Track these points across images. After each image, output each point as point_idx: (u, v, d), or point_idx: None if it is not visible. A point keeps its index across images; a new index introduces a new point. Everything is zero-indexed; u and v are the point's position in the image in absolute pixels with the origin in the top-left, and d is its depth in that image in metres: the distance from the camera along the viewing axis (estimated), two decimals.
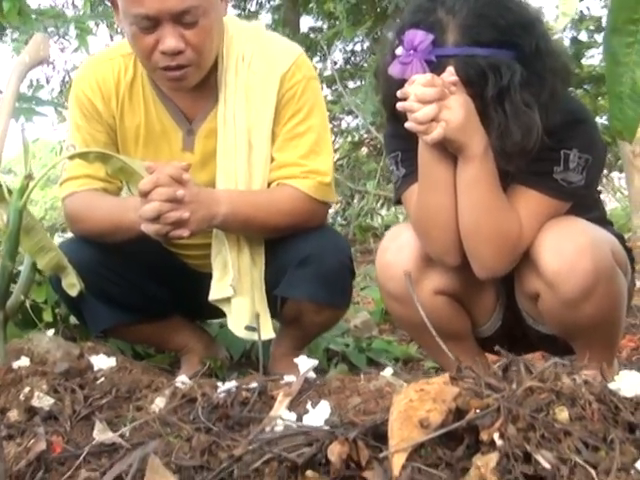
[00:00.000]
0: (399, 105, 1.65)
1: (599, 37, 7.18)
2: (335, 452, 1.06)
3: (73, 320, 2.47)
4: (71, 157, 1.91)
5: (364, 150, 7.75)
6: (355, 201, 6.62)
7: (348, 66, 7.85)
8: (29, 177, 1.79)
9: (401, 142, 1.91)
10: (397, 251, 1.91)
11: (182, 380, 1.57)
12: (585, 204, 1.90)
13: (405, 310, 1.95)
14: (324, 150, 2.05)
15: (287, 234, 2.02)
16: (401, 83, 1.71)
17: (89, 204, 2.04)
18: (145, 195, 1.79)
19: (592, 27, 7.28)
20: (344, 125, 7.76)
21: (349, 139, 7.68)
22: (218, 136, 2.02)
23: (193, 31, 1.86)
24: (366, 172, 5.78)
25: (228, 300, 2.01)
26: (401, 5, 4.92)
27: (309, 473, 1.06)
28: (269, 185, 2.04)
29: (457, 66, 1.65)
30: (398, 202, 2.00)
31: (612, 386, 1.16)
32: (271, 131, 2.02)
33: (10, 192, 1.83)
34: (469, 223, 1.76)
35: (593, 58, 7.59)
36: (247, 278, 2.01)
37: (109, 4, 2.06)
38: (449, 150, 1.72)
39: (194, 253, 2.18)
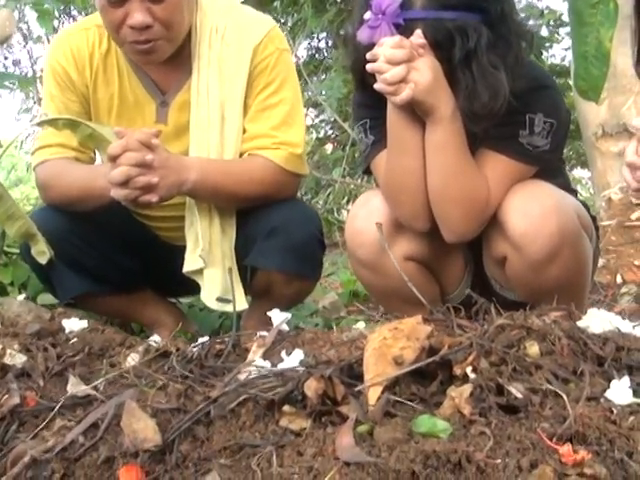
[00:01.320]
0: (369, 66, 1.66)
1: (561, 32, 7.26)
2: (312, 388, 1.07)
3: (39, 301, 2.45)
4: (40, 124, 1.90)
5: (329, 147, 7.78)
6: (320, 195, 6.62)
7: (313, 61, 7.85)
8: None
9: (369, 110, 1.92)
10: (367, 217, 1.91)
11: (154, 339, 1.57)
12: (550, 169, 1.92)
13: (375, 277, 1.96)
14: (296, 122, 2.05)
15: (257, 204, 2.02)
16: (369, 48, 1.72)
17: (60, 171, 2.02)
18: (114, 160, 1.78)
19: (552, 23, 7.34)
20: (309, 121, 7.76)
21: (314, 135, 7.68)
22: (191, 108, 2.01)
23: (161, 6, 1.86)
24: (332, 161, 5.79)
25: (201, 272, 2.00)
26: None
27: (286, 408, 1.07)
28: (241, 156, 2.03)
29: (425, 29, 1.66)
30: (367, 171, 2.01)
31: (581, 324, 1.18)
32: (243, 102, 2.02)
33: None
34: (438, 186, 1.78)
35: (554, 57, 7.69)
36: (218, 249, 2.01)
37: None
38: (417, 113, 1.73)
39: (167, 225, 2.17)
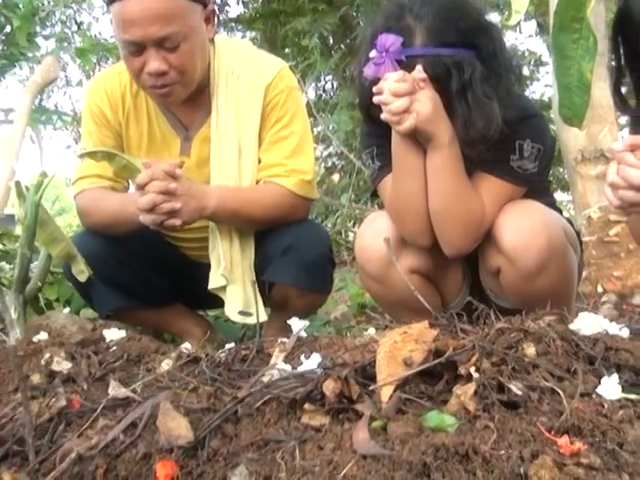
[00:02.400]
0: (375, 99, 1.65)
1: (541, 70, 7.26)
2: (329, 388, 1.05)
3: (82, 315, 2.44)
4: (81, 155, 1.90)
5: (336, 177, 7.79)
6: (329, 218, 6.60)
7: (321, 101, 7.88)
8: (44, 174, 1.78)
9: (376, 139, 1.91)
10: (374, 236, 1.90)
11: (186, 347, 1.55)
12: (538, 190, 1.91)
13: (382, 288, 1.94)
14: (305, 151, 2.05)
15: (273, 227, 2.01)
16: (375, 83, 1.71)
17: (97, 199, 2.03)
18: (142, 188, 1.78)
19: (532, 63, 7.34)
20: (318, 153, 7.78)
21: (323, 165, 7.69)
22: (212, 142, 2.02)
23: (175, 54, 1.86)
24: (340, 188, 5.78)
25: (224, 288, 2.00)
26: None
27: (307, 406, 1.05)
28: (257, 183, 2.03)
29: (425, 65, 1.66)
30: (374, 194, 2.00)
31: (572, 326, 1.16)
32: (258, 136, 2.02)
33: (27, 189, 1.81)
34: (438, 205, 1.77)
35: (535, 94, 7.67)
36: (238, 268, 2.00)
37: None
38: (419, 140, 1.72)
39: (193, 245, 2.17)
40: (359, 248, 1.93)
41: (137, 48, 1.84)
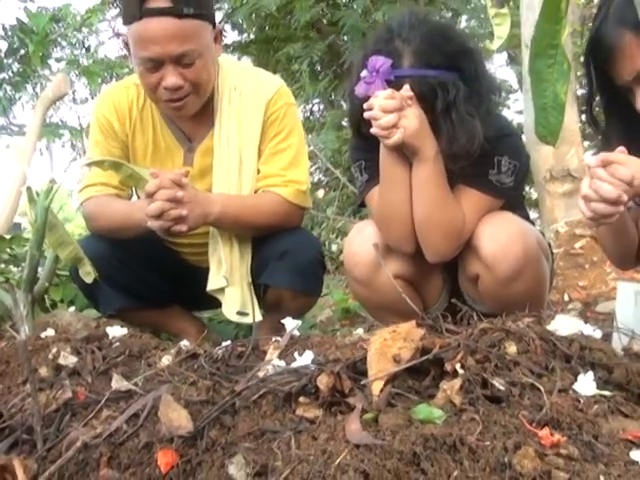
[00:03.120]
0: (366, 114, 1.64)
1: (511, 97, 7.30)
2: (323, 382, 1.03)
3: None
4: (89, 164, 1.88)
5: (321, 192, 7.78)
6: (315, 230, 6.58)
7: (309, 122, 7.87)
8: (53, 181, 1.75)
9: (364, 153, 1.90)
10: (362, 242, 1.89)
11: (184, 343, 1.52)
12: (514, 203, 1.90)
13: (368, 292, 1.93)
14: (301, 163, 2.04)
15: (269, 233, 1.99)
16: (365, 101, 1.70)
17: (103, 205, 2.01)
18: (150, 196, 1.76)
19: (503, 91, 7.37)
20: None
21: (310, 180, 7.66)
22: (214, 153, 2.00)
23: (190, 70, 1.86)
24: (326, 202, 5.77)
25: (222, 290, 1.97)
26: (355, 62, 4.92)
27: (302, 399, 1.03)
28: (256, 192, 2.02)
29: (412, 84, 1.65)
30: (361, 204, 1.98)
31: (550, 327, 1.15)
32: (258, 148, 2.01)
33: (37, 194, 1.78)
34: (422, 215, 1.75)
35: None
36: (237, 271, 1.98)
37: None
38: (405, 154, 1.71)
39: (192, 250, 2.15)
40: (348, 253, 1.92)
41: (154, 64, 1.83)
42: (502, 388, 0.99)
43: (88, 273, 1.87)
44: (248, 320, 1.98)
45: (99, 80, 3.96)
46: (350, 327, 3.35)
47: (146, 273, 2.08)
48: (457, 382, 1.00)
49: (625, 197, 1.38)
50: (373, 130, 1.65)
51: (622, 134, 1.62)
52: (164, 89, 1.87)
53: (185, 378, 1.26)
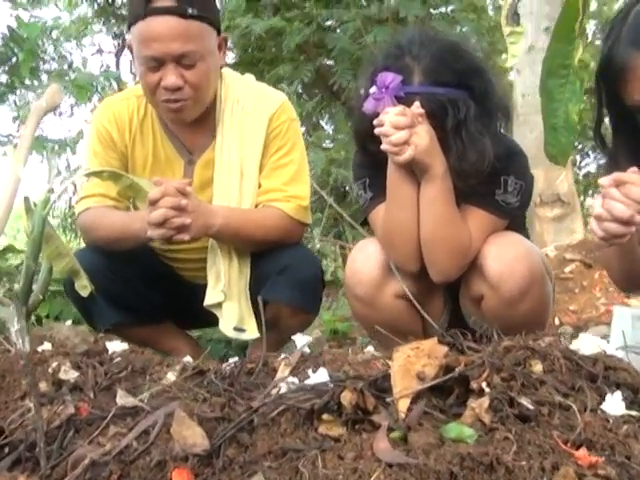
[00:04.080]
0: (377, 130, 1.63)
1: None
2: (347, 399, 1.00)
3: None
4: (88, 175, 1.84)
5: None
6: None
7: None
8: (51, 190, 1.71)
9: (368, 170, 1.89)
10: (364, 260, 1.87)
11: (188, 360, 1.49)
12: (517, 223, 1.90)
13: (369, 311, 1.90)
14: (303, 179, 2.02)
15: (269, 248, 1.97)
16: (372, 118, 1.69)
17: (102, 216, 1.97)
18: (154, 203, 1.73)
19: None
20: None
21: None
22: (215, 166, 1.98)
23: (191, 72, 1.85)
24: (313, 221, 5.75)
25: (219, 305, 1.94)
26: (344, 85, 4.95)
27: (325, 416, 0.99)
28: (256, 206, 1.99)
29: (422, 101, 1.64)
30: (364, 222, 1.97)
31: (573, 347, 1.13)
32: (259, 162, 1.99)
33: (35, 204, 1.74)
34: (430, 234, 1.74)
35: None
36: (235, 286, 1.95)
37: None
38: (414, 171, 1.70)
39: (189, 266, 2.11)
40: (350, 271, 1.90)
41: (156, 64, 1.83)
42: (531, 407, 0.97)
43: (84, 286, 1.81)
44: (245, 336, 1.95)
45: (87, 94, 3.94)
46: (337, 348, 3.33)
47: (142, 288, 2.04)
48: (485, 400, 0.97)
49: (638, 217, 1.38)
50: (384, 147, 1.63)
51: (630, 155, 1.62)
52: (163, 89, 1.86)
53: (195, 395, 1.23)
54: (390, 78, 1.65)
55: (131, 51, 1.90)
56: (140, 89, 2.01)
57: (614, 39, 1.57)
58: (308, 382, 1.17)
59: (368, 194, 1.88)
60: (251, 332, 1.92)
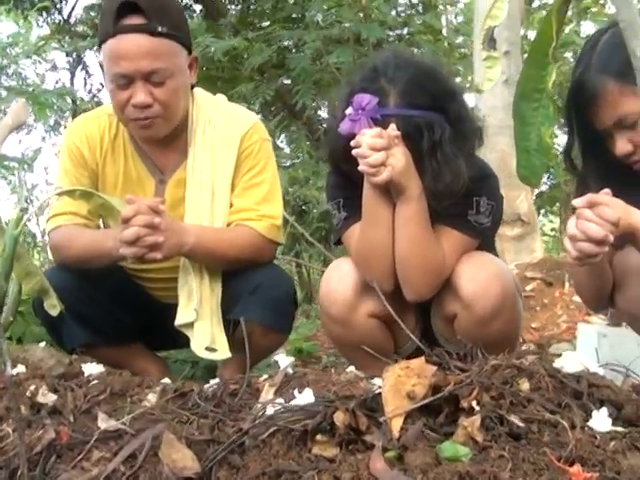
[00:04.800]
0: (355, 151, 1.64)
1: None
2: (340, 419, 1.00)
3: None
4: (60, 194, 1.81)
5: None
6: None
7: None
8: (24, 209, 1.69)
9: (342, 191, 1.90)
10: (339, 280, 1.88)
11: (166, 381, 1.47)
12: (488, 243, 1.93)
13: (344, 331, 1.90)
14: (275, 198, 2.03)
15: (241, 267, 1.96)
16: (347, 139, 1.71)
17: (73, 235, 1.94)
18: (126, 221, 1.72)
19: None
20: None
21: None
22: (187, 185, 1.98)
23: (160, 89, 1.85)
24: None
25: (191, 325, 1.92)
26: (308, 103, 4.98)
27: (319, 437, 0.99)
28: (228, 225, 1.99)
29: (398, 124, 1.66)
30: (338, 242, 1.97)
31: (556, 365, 1.15)
32: (231, 181, 1.99)
33: (6, 223, 1.71)
34: (405, 253, 1.76)
35: None
36: (207, 305, 1.94)
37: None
38: (390, 192, 1.72)
39: (159, 285, 2.09)
40: (325, 291, 1.90)
41: (126, 81, 1.83)
42: (521, 425, 0.99)
43: (54, 306, 1.80)
44: (216, 356, 1.93)
45: (46, 111, 3.89)
46: (303, 368, 3.32)
47: (112, 308, 2.01)
48: (477, 419, 0.99)
49: (611, 237, 1.42)
50: (361, 167, 1.65)
51: (600, 177, 1.67)
52: (132, 107, 1.85)
53: (179, 417, 1.21)
54: (367, 100, 1.67)
55: (102, 69, 1.89)
56: (112, 107, 2.00)
57: (584, 66, 1.62)
58: (294, 402, 1.17)
59: (342, 214, 1.90)
60: (223, 352, 1.91)
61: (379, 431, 1.00)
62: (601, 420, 1.02)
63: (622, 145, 1.61)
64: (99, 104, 10.17)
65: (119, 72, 1.82)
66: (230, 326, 2.01)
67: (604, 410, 1.03)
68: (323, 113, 6.55)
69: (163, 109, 1.88)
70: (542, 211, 8.44)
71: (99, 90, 8.36)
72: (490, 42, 1.54)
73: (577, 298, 3.44)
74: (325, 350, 3.79)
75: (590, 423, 1.02)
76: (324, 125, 5.73)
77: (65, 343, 1.99)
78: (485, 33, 1.54)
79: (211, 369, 2.74)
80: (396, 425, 0.99)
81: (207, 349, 1.91)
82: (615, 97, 1.57)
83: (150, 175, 2.02)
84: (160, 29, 1.80)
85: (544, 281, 3.44)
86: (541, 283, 3.44)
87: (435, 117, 1.68)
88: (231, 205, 2.00)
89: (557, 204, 8.19)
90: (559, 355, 1.19)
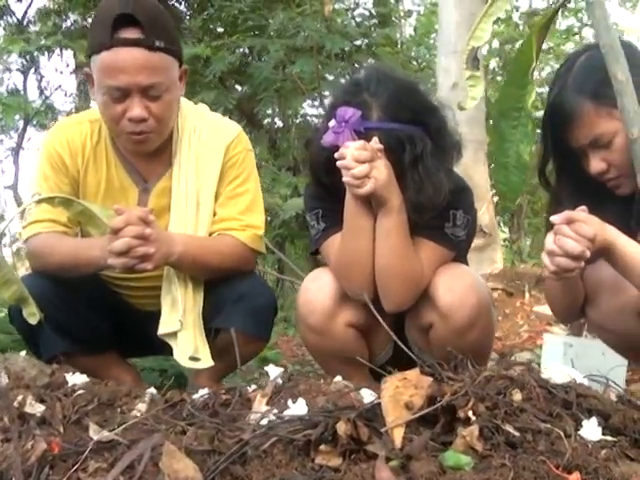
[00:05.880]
0: (339, 163, 1.66)
1: None
2: (342, 429, 1.02)
3: None
4: (39, 201, 1.78)
5: None
6: None
7: None
8: (2, 218, 1.66)
9: (322, 202, 1.92)
10: (317, 290, 1.90)
11: (151, 391, 1.46)
12: (462, 256, 1.98)
13: (322, 340, 1.92)
14: (258, 209, 2.04)
15: (223, 276, 1.96)
16: (329, 152, 1.73)
17: (53, 243, 1.91)
18: (116, 232, 1.70)
19: None
20: None
21: None
22: (172, 195, 1.97)
23: (156, 104, 1.84)
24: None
25: (174, 334, 1.90)
26: (269, 112, 5.00)
27: (323, 447, 1.01)
28: (211, 234, 1.99)
29: (380, 137, 1.69)
30: (315, 252, 1.99)
31: (544, 376, 1.19)
32: (215, 191, 1.99)
33: None
34: (385, 264, 1.78)
35: None
36: (190, 315, 1.93)
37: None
38: (372, 204, 1.75)
39: (140, 294, 2.07)
40: (303, 301, 1.91)
41: (121, 94, 1.80)
42: (517, 434, 1.02)
43: (32, 314, 1.77)
44: (199, 365, 1.92)
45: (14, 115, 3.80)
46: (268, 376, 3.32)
47: (88, 315, 1.98)
48: (475, 429, 1.01)
49: (588, 253, 1.47)
50: (345, 179, 1.67)
51: (573, 193, 1.73)
52: (128, 120, 1.83)
53: (172, 427, 1.21)
54: (350, 113, 1.70)
55: (89, 80, 1.87)
56: (94, 113, 1.97)
57: (561, 87, 1.68)
58: (288, 413, 1.18)
59: (321, 225, 1.92)
60: (206, 361, 1.90)
61: (380, 441, 1.02)
62: (591, 429, 1.05)
63: (596, 164, 1.67)
64: (51, 107, 10.02)
65: (115, 85, 1.79)
66: (211, 334, 2.01)
67: (594, 420, 1.07)
68: (283, 122, 6.56)
69: (157, 124, 1.87)
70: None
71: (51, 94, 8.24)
72: (473, 62, 1.59)
73: (537, 308, 3.53)
74: (288, 359, 3.81)
75: (581, 432, 1.05)
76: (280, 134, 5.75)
77: (42, 352, 1.96)
78: (468, 53, 1.58)
79: (179, 377, 2.73)
80: (398, 435, 1.01)
81: (191, 358, 1.91)
82: (591, 117, 1.63)
83: (133, 183, 2.00)
84: (157, 44, 1.78)
85: (505, 291, 3.52)
86: (502, 293, 3.52)
87: (416, 131, 1.71)
88: (215, 214, 2.00)
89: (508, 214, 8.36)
90: (522, 364, 1.23)
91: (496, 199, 4.82)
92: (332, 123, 1.72)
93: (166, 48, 1.81)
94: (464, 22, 3.73)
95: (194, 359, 1.87)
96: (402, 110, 1.72)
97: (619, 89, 1.35)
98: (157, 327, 1.91)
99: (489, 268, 3.80)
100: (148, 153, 1.96)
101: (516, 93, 1.63)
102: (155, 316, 1.94)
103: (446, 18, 3.73)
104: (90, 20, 8.29)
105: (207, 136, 1.99)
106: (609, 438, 1.06)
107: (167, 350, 1.99)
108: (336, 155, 1.67)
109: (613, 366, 1.95)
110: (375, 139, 1.69)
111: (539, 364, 2.45)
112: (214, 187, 1.98)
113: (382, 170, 1.67)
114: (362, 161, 1.64)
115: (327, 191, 1.87)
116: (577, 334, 2.94)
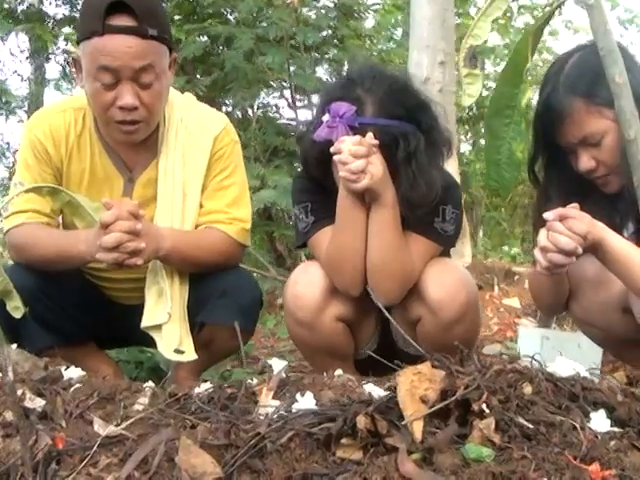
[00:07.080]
0: (336, 157, 1.67)
1: None
2: (362, 422, 1.03)
3: None
4: (27, 191, 1.74)
5: None
6: None
7: None
8: None
9: (311, 195, 1.93)
10: (306, 283, 1.90)
11: (149, 385, 1.45)
12: (448, 250, 2.01)
13: (310, 335, 1.93)
14: (245, 202, 2.03)
15: (210, 270, 1.95)
16: (323, 146, 1.74)
17: (37, 234, 1.87)
18: (106, 227, 1.67)
19: None
20: None
21: None
22: (159, 185, 1.94)
23: (147, 92, 1.81)
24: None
25: (158, 327, 1.89)
26: (239, 102, 4.96)
27: (344, 440, 1.02)
28: (197, 227, 1.97)
29: (374, 133, 1.71)
30: (303, 245, 2.00)
31: (550, 370, 1.22)
32: (202, 182, 1.97)
33: None
34: (377, 258, 1.80)
35: None
36: (176, 308, 1.91)
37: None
38: (366, 199, 1.76)
39: (122, 286, 2.05)
40: (292, 295, 1.92)
41: (113, 81, 1.76)
42: (531, 426, 1.04)
43: (17, 308, 1.72)
44: (183, 358, 1.91)
45: None
46: (240, 368, 3.31)
47: (70, 309, 1.96)
48: (492, 421, 1.03)
49: (580, 249, 1.51)
50: (341, 174, 1.68)
51: (561, 190, 1.77)
52: (119, 109, 1.80)
53: (181, 421, 1.21)
54: (344, 108, 1.71)
55: (77, 66, 1.83)
56: (78, 101, 1.94)
57: (552, 86, 1.72)
58: (296, 406, 1.19)
59: (310, 218, 1.92)
60: (189, 354, 1.89)
61: (399, 434, 1.03)
62: (600, 421, 1.09)
63: (585, 162, 1.71)
64: (4, 91, 9.75)
65: (106, 64, 1.74)
66: (195, 328, 2.00)
67: (602, 412, 1.10)
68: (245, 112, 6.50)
69: (148, 112, 1.84)
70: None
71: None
72: (471, 60, 1.61)
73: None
74: (259, 350, 3.79)
75: (590, 424, 1.08)
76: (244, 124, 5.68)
77: (27, 345, 1.91)
78: (466, 51, 1.60)
79: (155, 370, 2.71)
80: (418, 428, 1.02)
81: (175, 351, 1.89)
82: (582, 116, 1.67)
83: (118, 173, 1.97)
84: (150, 32, 1.75)
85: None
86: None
87: (410, 128, 1.73)
88: (201, 206, 1.98)
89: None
90: (492, 356, 1.26)
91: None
92: (326, 118, 1.73)
93: (159, 36, 1.78)
94: (436, 17, 3.76)
95: (178, 352, 1.86)
96: (396, 107, 1.74)
97: (617, 91, 1.39)
98: (137, 319, 1.89)
99: (458, 261, 3.85)
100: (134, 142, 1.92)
101: (510, 92, 1.66)
102: (134, 309, 1.92)
103: (418, 13, 3.76)
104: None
105: (194, 127, 1.97)
106: (616, 429, 1.09)
107: (146, 342, 1.98)
108: (332, 150, 1.68)
109: (589, 358, 2.02)
110: (370, 135, 1.70)
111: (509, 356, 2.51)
112: (201, 178, 1.96)
113: (378, 165, 1.69)
114: (359, 156, 1.65)
115: (316, 185, 1.88)
116: (546, 325, 3.01)
